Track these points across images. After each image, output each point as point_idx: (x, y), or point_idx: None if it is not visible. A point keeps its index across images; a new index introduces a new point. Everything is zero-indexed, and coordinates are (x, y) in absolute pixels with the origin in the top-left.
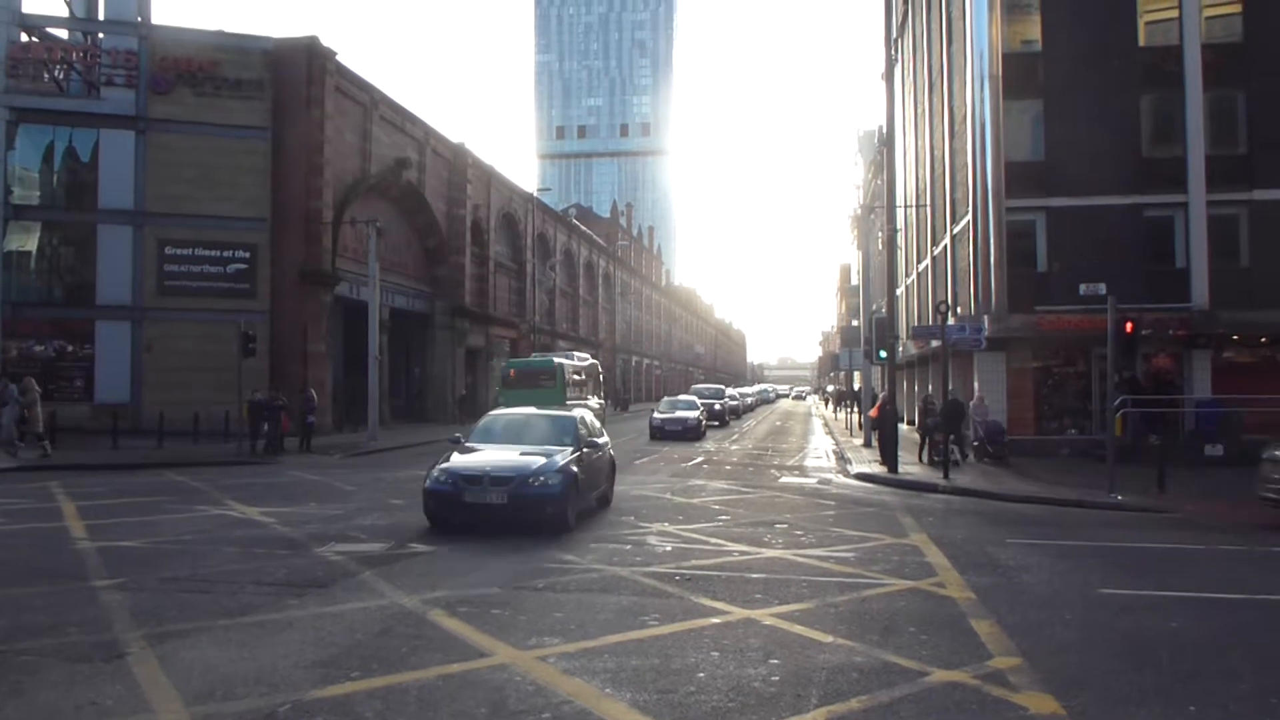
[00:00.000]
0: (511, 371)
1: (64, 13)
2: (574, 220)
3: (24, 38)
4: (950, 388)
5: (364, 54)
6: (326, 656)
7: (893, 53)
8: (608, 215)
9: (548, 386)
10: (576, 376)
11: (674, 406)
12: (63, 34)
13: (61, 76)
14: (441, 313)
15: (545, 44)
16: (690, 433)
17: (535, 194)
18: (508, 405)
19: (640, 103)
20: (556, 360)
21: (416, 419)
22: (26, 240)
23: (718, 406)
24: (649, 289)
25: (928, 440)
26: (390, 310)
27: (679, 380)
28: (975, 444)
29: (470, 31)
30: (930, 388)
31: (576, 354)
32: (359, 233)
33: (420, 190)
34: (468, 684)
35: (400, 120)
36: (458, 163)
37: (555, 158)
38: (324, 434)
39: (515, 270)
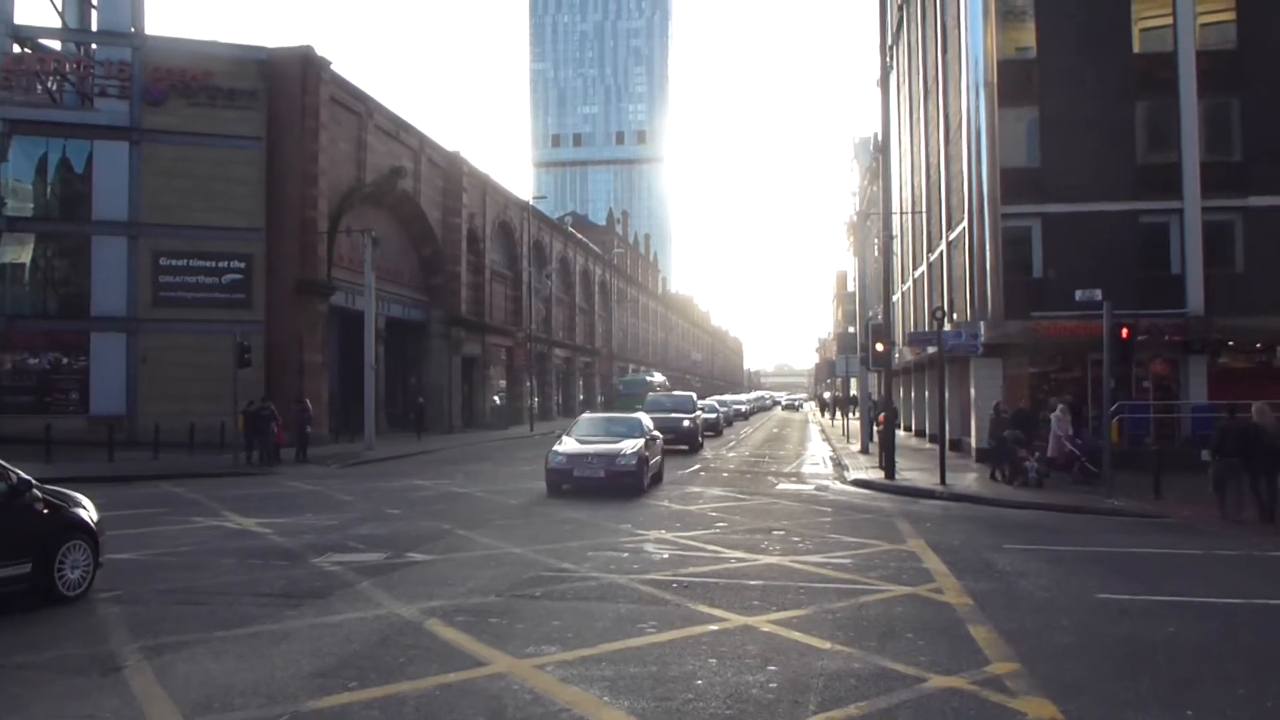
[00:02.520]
0: (620, 387)
1: (57, 24)
2: (570, 228)
3: (16, 49)
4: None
5: (359, 63)
6: (324, 667)
7: (888, 60)
8: (604, 223)
9: (644, 397)
10: (659, 389)
11: (604, 428)
12: (56, 45)
13: (55, 88)
14: (437, 322)
15: (540, 52)
16: (624, 480)
17: (531, 202)
18: (623, 412)
19: (636, 110)
20: (648, 379)
21: (413, 428)
22: (20, 252)
23: (686, 423)
24: (645, 296)
25: (1007, 456)
26: (386, 320)
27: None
28: (1058, 462)
29: (465, 40)
30: (1002, 395)
31: (658, 374)
32: (354, 242)
33: (416, 199)
34: (465, 693)
35: (395, 129)
36: (453, 171)
37: (551, 166)
38: (320, 444)
39: (511, 279)
